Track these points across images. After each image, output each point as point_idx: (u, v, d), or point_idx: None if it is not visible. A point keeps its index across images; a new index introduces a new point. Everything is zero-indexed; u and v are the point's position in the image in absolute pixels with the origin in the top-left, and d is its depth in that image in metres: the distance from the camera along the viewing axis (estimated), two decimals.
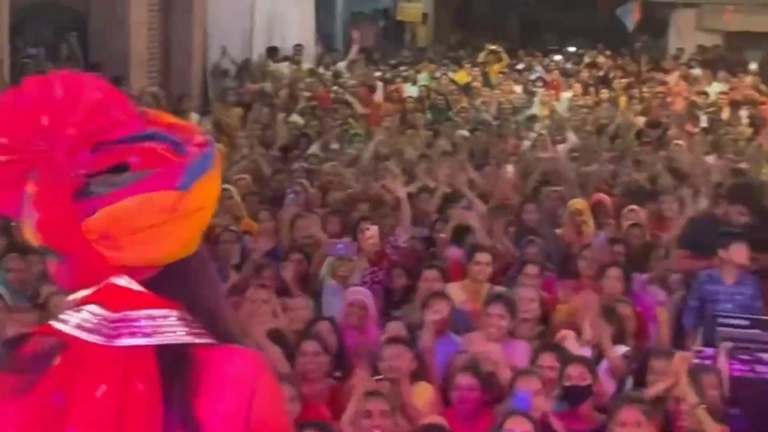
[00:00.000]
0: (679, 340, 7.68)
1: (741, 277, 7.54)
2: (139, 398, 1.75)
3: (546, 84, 19.96)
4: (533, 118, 16.39)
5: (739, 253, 7.51)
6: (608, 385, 6.68)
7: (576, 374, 6.27)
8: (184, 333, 1.82)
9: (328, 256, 8.61)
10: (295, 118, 15.70)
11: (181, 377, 1.79)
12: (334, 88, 18.40)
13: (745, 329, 6.74)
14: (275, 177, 11.57)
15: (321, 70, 20.43)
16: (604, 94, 19.17)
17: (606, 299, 7.59)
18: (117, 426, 1.73)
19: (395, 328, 7.14)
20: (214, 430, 1.79)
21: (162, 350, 1.79)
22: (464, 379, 6.03)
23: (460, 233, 9.18)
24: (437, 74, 20.62)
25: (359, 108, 16.90)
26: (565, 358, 6.42)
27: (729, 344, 6.58)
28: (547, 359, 6.44)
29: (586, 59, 23.60)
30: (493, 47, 22.71)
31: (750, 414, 6.30)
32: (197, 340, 1.83)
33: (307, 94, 17.35)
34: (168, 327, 1.81)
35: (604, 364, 6.89)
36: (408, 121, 15.66)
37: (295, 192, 10.22)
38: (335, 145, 13.51)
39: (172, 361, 1.79)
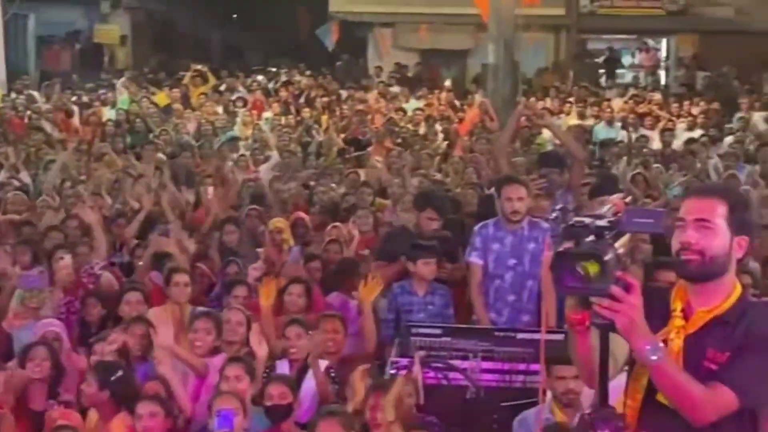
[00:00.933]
0: (377, 351, 7.80)
1: (432, 288, 7.76)
2: None
3: (247, 104, 19.98)
4: (235, 139, 16.35)
5: (424, 267, 7.70)
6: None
7: (276, 393, 6.27)
8: None
9: (18, 288, 8.24)
10: None
11: None
12: (28, 113, 17.72)
13: (437, 338, 6.93)
14: None
15: (13, 95, 19.65)
16: (306, 112, 19.39)
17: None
18: None
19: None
20: None
21: None
22: (145, 408, 5.89)
23: (160, 259, 9.00)
24: (137, 97, 20.26)
25: (55, 133, 16.33)
26: (251, 370, 6.44)
27: (422, 353, 6.76)
28: (233, 370, 6.41)
29: (284, 78, 23.83)
30: (198, 67, 22.58)
31: (445, 420, 6.47)
32: None
33: None
34: None
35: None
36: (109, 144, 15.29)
37: None
38: (25, 173, 12.99)
39: None
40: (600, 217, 3.34)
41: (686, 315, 3.63)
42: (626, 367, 3.70)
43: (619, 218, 3.35)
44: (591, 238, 3.28)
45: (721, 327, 3.58)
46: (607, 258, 3.19)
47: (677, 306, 3.65)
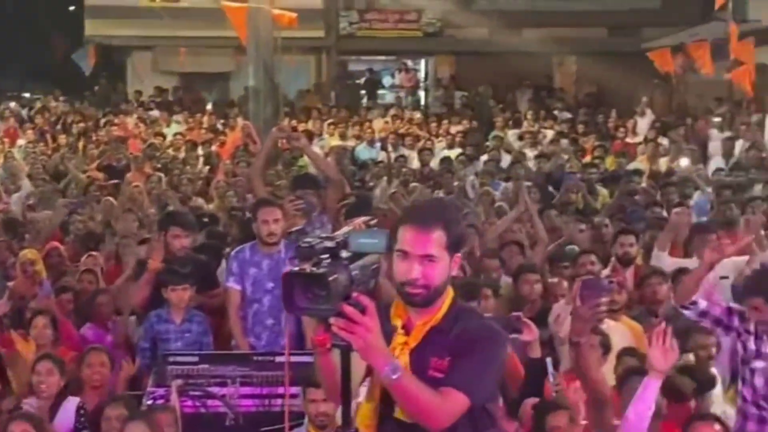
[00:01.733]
0: (134, 381, 7.60)
1: (189, 315, 7.62)
2: None
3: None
4: None
5: (173, 294, 7.57)
6: None
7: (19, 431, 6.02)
8: None
9: None
10: None
11: None
12: None
13: (194, 365, 6.83)
14: None
15: None
16: (62, 139, 18.85)
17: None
18: None
19: None
20: None
21: None
22: None
23: None
24: None
25: None
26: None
27: (179, 382, 6.63)
28: None
29: (38, 105, 23.15)
30: None
31: None
32: None
33: None
34: None
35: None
36: None
37: None
38: None
39: None
40: (331, 238, 3.35)
41: (407, 330, 3.71)
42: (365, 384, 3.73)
43: (346, 239, 3.37)
44: (328, 258, 3.28)
45: (438, 335, 3.69)
46: (332, 278, 3.19)
47: (397, 323, 3.72)
